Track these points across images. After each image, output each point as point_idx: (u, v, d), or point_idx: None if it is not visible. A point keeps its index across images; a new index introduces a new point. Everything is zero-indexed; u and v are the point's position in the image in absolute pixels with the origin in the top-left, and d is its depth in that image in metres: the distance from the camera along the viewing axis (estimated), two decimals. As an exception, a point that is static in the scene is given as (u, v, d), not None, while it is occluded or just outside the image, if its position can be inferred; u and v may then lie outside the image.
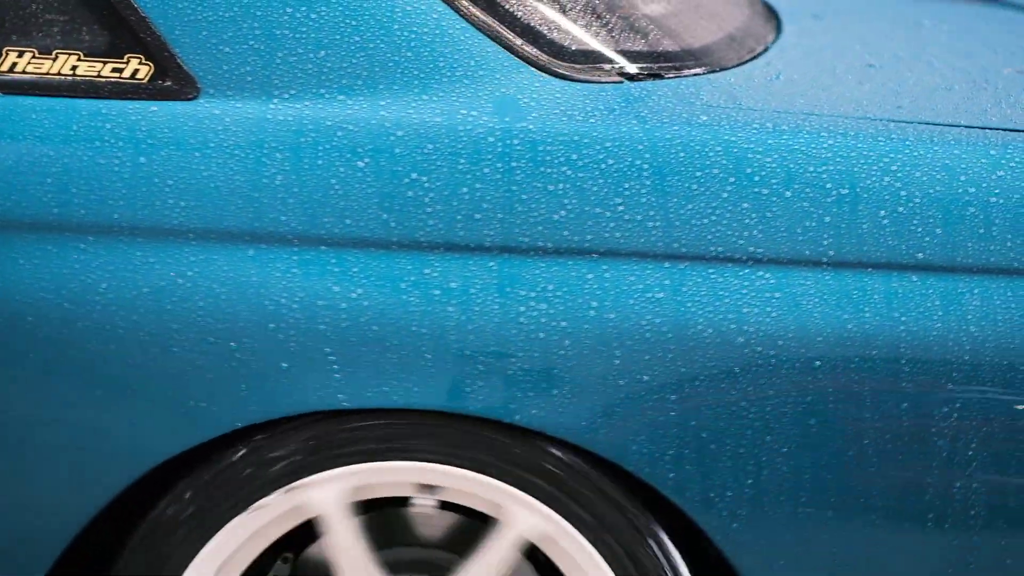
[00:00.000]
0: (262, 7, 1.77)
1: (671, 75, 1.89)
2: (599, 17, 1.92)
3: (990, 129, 1.82)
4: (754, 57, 2.07)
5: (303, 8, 1.77)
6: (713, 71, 1.95)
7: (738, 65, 2.00)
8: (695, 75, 1.91)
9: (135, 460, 1.76)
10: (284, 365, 1.72)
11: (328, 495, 1.78)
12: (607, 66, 1.84)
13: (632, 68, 1.86)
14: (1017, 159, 1.74)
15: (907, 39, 2.40)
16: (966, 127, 1.81)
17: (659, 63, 1.90)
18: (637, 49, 1.90)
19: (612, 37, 1.90)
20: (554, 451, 1.74)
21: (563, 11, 1.90)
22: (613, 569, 1.76)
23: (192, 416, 1.73)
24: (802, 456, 1.72)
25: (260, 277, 1.73)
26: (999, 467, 1.72)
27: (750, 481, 1.72)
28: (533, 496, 1.75)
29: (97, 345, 1.73)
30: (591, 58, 1.85)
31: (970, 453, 1.72)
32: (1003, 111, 1.93)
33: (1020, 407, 1.71)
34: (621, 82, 1.83)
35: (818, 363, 1.70)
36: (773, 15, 2.40)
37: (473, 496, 1.77)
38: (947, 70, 2.16)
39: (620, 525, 1.76)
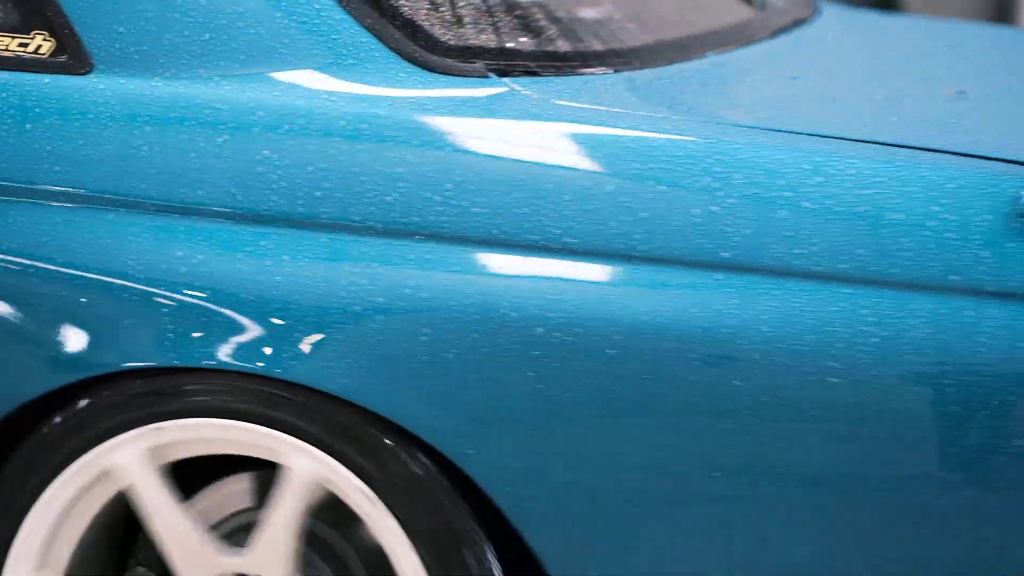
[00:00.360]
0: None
1: (549, 73, 1.95)
2: (487, 13, 2.00)
3: (837, 139, 1.82)
4: (681, 62, 2.11)
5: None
6: (610, 71, 2.00)
7: (647, 68, 2.05)
8: (578, 74, 1.97)
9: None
10: (126, 322, 1.85)
11: (131, 455, 1.91)
12: (479, 61, 1.92)
13: (507, 64, 1.93)
14: (837, 166, 1.75)
15: (874, 56, 2.39)
16: (813, 135, 1.82)
17: (543, 61, 1.96)
18: (520, 47, 1.97)
19: (495, 34, 1.97)
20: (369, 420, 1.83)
21: (449, 7, 1.98)
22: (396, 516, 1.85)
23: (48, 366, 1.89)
24: (592, 445, 1.76)
25: (114, 239, 1.86)
26: (783, 461, 1.73)
27: (547, 463, 1.78)
28: (342, 461, 1.84)
29: None
30: (465, 53, 1.92)
31: (762, 447, 1.73)
32: (877, 125, 1.92)
33: (804, 406, 1.72)
34: (488, 76, 1.91)
35: (613, 352, 1.75)
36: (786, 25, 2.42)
37: (256, 447, 1.87)
38: (867, 85, 2.15)
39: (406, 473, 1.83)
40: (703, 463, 1.74)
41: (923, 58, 2.42)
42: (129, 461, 1.91)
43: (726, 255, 1.74)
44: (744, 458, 1.73)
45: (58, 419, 1.93)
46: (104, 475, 1.93)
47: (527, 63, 1.95)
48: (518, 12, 2.03)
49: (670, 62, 2.08)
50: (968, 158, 1.76)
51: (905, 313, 1.70)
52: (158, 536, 1.93)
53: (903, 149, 1.79)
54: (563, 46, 2.01)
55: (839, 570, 1.73)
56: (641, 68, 2.04)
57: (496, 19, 2.00)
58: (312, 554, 1.95)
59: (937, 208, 1.72)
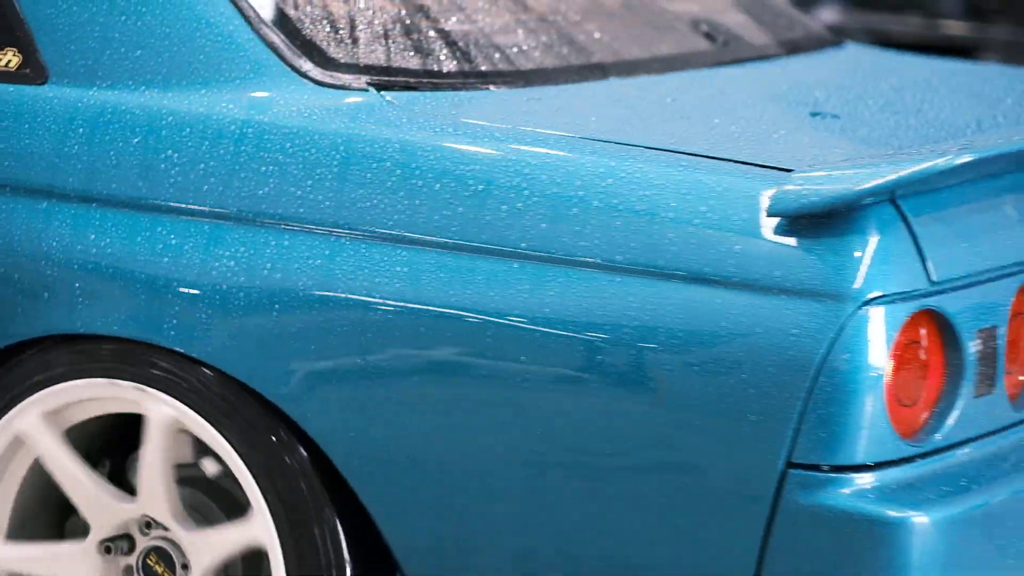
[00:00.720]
0: (101, 16, 2.25)
1: (426, 88, 2.22)
2: (377, 36, 2.28)
3: (644, 148, 2.05)
4: (578, 81, 2.36)
5: (130, 17, 2.24)
6: (486, 89, 2.26)
7: (523, 88, 2.30)
8: (454, 90, 2.24)
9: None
10: (45, 295, 2.19)
11: (30, 419, 2.25)
12: (364, 77, 2.20)
13: (387, 80, 2.21)
14: (628, 170, 1.98)
15: (788, 88, 2.59)
16: (624, 144, 2.05)
17: (422, 79, 2.24)
18: (403, 66, 2.25)
19: (382, 54, 2.26)
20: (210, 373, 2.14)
21: (345, 29, 2.27)
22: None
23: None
24: (406, 411, 2.04)
25: (43, 225, 2.21)
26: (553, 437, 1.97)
27: (372, 426, 2.05)
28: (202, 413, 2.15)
29: None
30: (351, 69, 2.21)
31: (542, 415, 1.98)
32: (694, 138, 2.13)
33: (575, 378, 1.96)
34: (367, 90, 2.19)
35: (424, 330, 2.01)
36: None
37: (127, 400, 2.20)
38: (737, 109, 2.37)
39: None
40: (489, 435, 2.00)
41: (839, 90, 2.61)
42: (29, 425, 2.26)
43: (524, 246, 1.98)
44: (519, 428, 1.98)
45: None
46: (16, 441, 2.28)
47: (407, 79, 2.23)
48: (405, 36, 2.31)
49: (548, 84, 2.33)
50: (742, 165, 1.98)
51: (663, 301, 1.92)
52: (67, 491, 2.27)
53: (693, 157, 2.01)
54: (446, 66, 2.28)
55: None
56: (517, 87, 2.29)
57: (384, 41, 2.28)
58: (200, 494, 2.26)
59: (704, 207, 1.93)
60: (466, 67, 2.30)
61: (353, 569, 2.11)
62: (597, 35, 2.54)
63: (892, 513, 1.88)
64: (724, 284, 1.91)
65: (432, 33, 2.34)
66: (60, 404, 2.25)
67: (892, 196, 1.92)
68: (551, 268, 1.98)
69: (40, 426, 2.26)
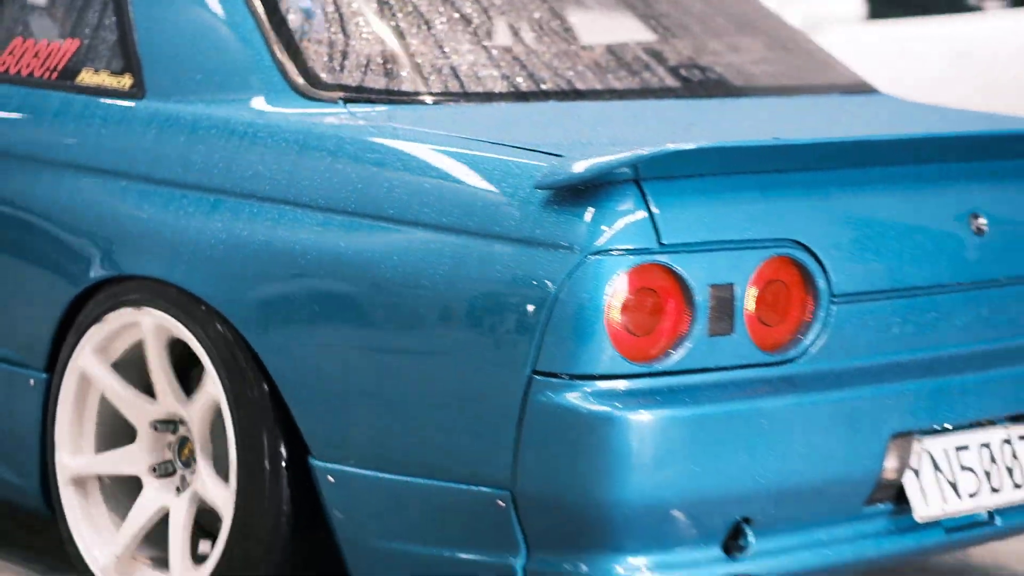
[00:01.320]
0: (177, 50, 3.15)
1: (382, 103, 3.00)
2: (355, 60, 3.09)
3: (488, 143, 2.78)
4: (513, 102, 3.11)
5: (194, 52, 3.13)
6: (427, 103, 3.04)
7: (468, 104, 3.06)
8: (401, 104, 3.01)
9: (64, 290, 3.21)
10: (113, 248, 3.09)
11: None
12: (341, 93, 3.00)
13: (357, 96, 3.00)
14: (456, 154, 2.73)
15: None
16: (480, 140, 2.81)
17: (381, 95, 3.02)
18: (370, 85, 3.02)
19: (357, 74, 3.04)
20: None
21: (337, 53, 3.07)
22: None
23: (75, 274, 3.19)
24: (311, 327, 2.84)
25: (109, 201, 3.14)
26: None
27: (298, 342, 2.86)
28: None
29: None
30: (332, 87, 3.03)
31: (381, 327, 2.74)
32: (533, 137, 2.86)
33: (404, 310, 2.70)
34: (337, 102, 2.98)
35: (323, 273, 2.80)
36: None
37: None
38: (610, 122, 3.12)
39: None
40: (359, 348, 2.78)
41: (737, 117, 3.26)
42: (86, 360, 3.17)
43: (390, 210, 2.74)
44: (359, 345, 2.78)
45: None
46: (84, 378, 3.20)
47: (370, 96, 3.01)
48: (377, 61, 3.11)
49: (486, 102, 3.07)
50: (529, 151, 2.70)
51: (448, 251, 2.67)
52: (112, 400, 3.17)
53: (505, 147, 2.74)
54: (402, 87, 3.06)
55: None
56: (461, 104, 3.04)
57: (360, 64, 3.07)
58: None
59: (492, 180, 2.67)
60: (419, 87, 3.06)
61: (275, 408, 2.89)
62: (566, 69, 3.23)
63: (613, 412, 2.54)
64: (498, 238, 2.62)
65: (393, 62, 3.11)
66: (103, 337, 3.15)
67: (636, 178, 2.58)
68: (385, 226, 2.75)
69: (93, 359, 3.15)
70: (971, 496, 2.86)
